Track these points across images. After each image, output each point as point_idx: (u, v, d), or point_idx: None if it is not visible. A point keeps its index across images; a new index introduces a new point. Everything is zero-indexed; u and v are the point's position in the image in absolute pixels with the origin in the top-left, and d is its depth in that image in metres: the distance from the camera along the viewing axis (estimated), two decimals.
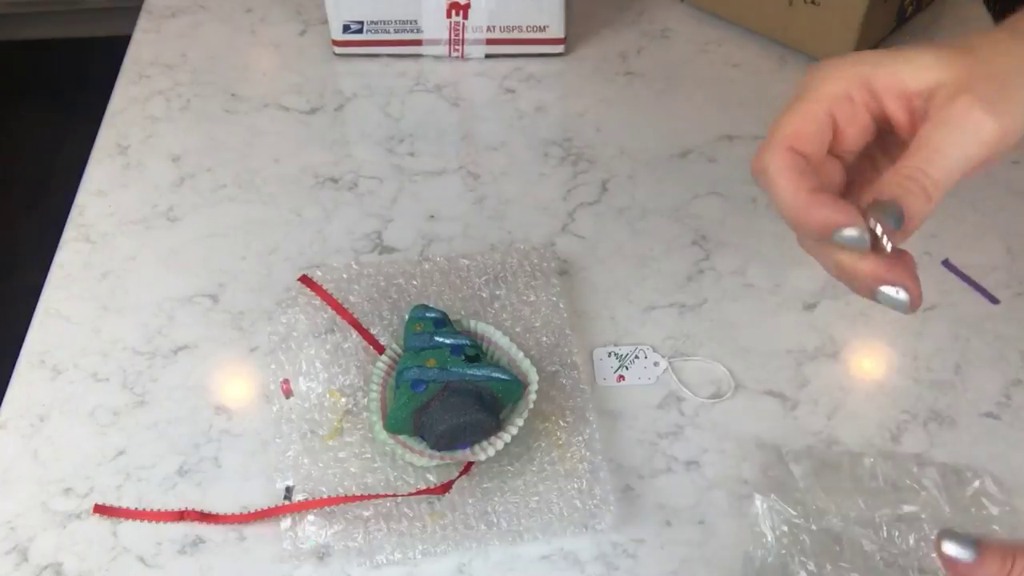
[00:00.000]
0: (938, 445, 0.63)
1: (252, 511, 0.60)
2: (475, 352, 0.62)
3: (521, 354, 0.65)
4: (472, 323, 0.66)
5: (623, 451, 0.63)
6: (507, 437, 0.60)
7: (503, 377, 0.60)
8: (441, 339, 0.63)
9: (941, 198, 0.40)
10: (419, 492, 0.60)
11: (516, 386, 0.61)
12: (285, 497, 0.60)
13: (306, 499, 0.59)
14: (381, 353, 0.66)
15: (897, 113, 0.42)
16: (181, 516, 0.60)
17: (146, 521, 0.60)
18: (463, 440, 0.60)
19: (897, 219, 0.39)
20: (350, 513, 0.59)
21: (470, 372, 0.60)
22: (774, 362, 0.68)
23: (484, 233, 0.76)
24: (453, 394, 0.59)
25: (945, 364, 0.67)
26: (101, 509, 0.61)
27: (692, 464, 0.63)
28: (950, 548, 0.41)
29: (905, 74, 0.42)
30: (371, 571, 0.58)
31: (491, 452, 0.59)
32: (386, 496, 0.60)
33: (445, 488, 0.60)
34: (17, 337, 0.70)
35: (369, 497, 0.59)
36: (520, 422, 0.60)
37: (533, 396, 0.62)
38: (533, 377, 0.63)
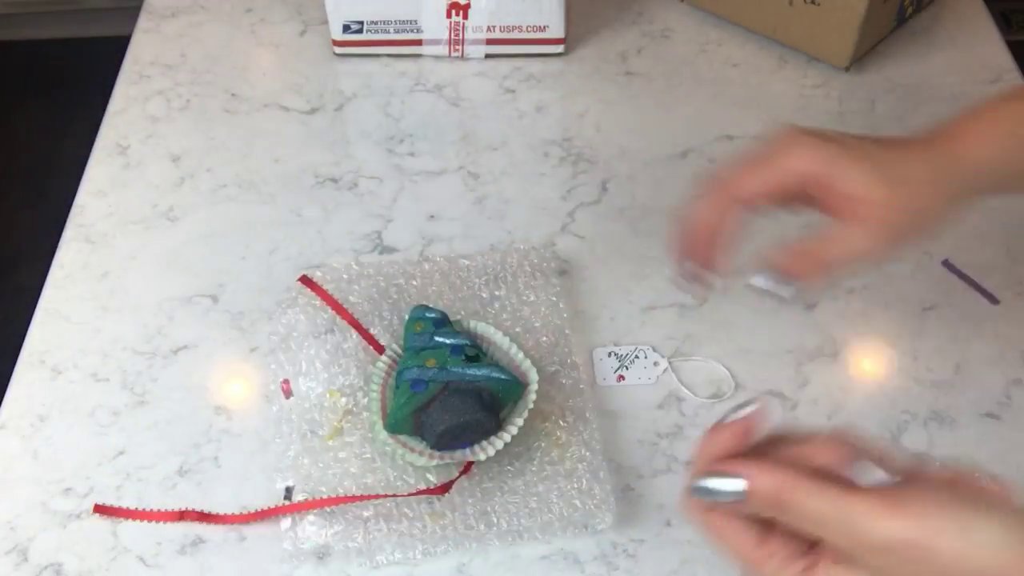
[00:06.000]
0: (938, 445, 0.63)
1: (252, 511, 0.60)
2: (475, 352, 0.62)
3: (521, 354, 0.65)
4: (472, 323, 0.66)
5: (623, 451, 0.63)
6: (507, 437, 0.60)
7: (503, 377, 0.60)
8: (441, 339, 0.63)
9: (827, 277, 0.53)
10: (419, 492, 0.60)
11: (516, 386, 0.61)
12: (285, 497, 0.60)
13: (306, 499, 0.59)
14: (381, 353, 0.66)
15: (831, 202, 0.53)
16: (181, 516, 0.60)
17: (146, 521, 0.60)
18: (463, 440, 0.60)
19: (789, 292, 0.53)
20: (350, 513, 0.59)
21: (470, 372, 0.60)
22: (774, 362, 0.68)
23: (484, 233, 0.76)
24: (453, 394, 0.59)
25: (945, 364, 0.67)
26: (101, 509, 0.61)
27: (692, 464, 0.62)
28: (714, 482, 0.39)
29: (849, 183, 0.52)
30: (371, 571, 0.58)
31: (491, 452, 0.59)
32: (386, 496, 0.60)
33: (445, 488, 0.60)
34: (17, 337, 0.70)
35: (369, 497, 0.59)
36: (520, 422, 0.60)
37: (533, 396, 0.62)
38: (533, 377, 0.63)
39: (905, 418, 0.64)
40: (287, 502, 0.60)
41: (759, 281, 0.54)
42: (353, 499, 0.59)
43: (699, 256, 0.57)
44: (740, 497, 0.39)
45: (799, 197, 0.54)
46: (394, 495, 0.60)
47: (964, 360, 0.68)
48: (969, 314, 0.70)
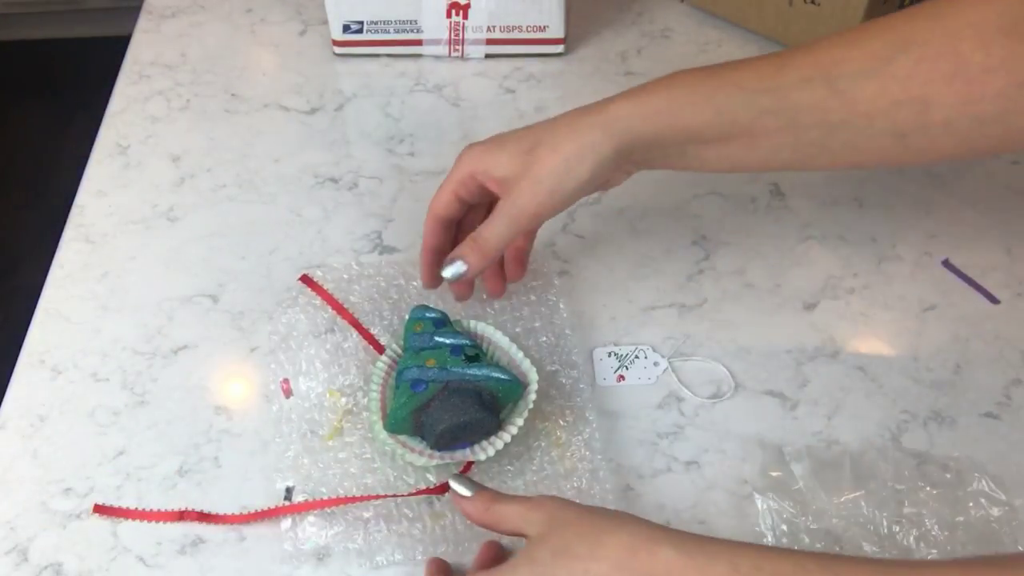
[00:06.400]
0: (938, 445, 0.63)
1: (252, 511, 0.60)
2: (475, 352, 0.62)
3: (521, 354, 0.65)
4: (472, 323, 0.66)
5: (623, 451, 0.63)
6: (507, 437, 0.60)
7: (503, 377, 0.60)
8: (441, 339, 0.63)
9: (496, 253, 0.61)
10: (419, 492, 0.60)
11: (516, 386, 0.61)
12: (285, 497, 0.60)
13: (306, 500, 0.59)
14: (381, 353, 0.66)
15: (495, 191, 0.61)
16: (181, 516, 0.60)
17: (146, 521, 0.60)
18: (463, 440, 0.60)
19: (458, 270, 0.61)
20: (350, 514, 0.59)
21: (470, 372, 0.60)
22: (774, 362, 0.68)
23: None
24: (453, 394, 0.59)
25: (945, 364, 0.67)
26: (101, 509, 0.61)
27: (692, 464, 0.63)
28: (454, 485, 0.55)
29: (495, 168, 0.60)
30: (371, 572, 0.58)
31: (491, 452, 0.59)
32: (386, 497, 0.60)
33: (445, 488, 0.60)
34: (17, 337, 0.70)
35: (369, 498, 0.59)
36: (520, 422, 0.60)
37: (533, 396, 0.62)
38: (533, 377, 0.63)
39: (905, 418, 0.64)
40: (287, 502, 0.60)
41: (445, 272, 0.61)
42: (353, 500, 0.59)
43: (435, 275, 0.65)
44: (470, 492, 0.54)
45: (487, 197, 0.63)
46: (394, 495, 0.60)
47: (964, 360, 0.68)
48: (969, 314, 0.70)
